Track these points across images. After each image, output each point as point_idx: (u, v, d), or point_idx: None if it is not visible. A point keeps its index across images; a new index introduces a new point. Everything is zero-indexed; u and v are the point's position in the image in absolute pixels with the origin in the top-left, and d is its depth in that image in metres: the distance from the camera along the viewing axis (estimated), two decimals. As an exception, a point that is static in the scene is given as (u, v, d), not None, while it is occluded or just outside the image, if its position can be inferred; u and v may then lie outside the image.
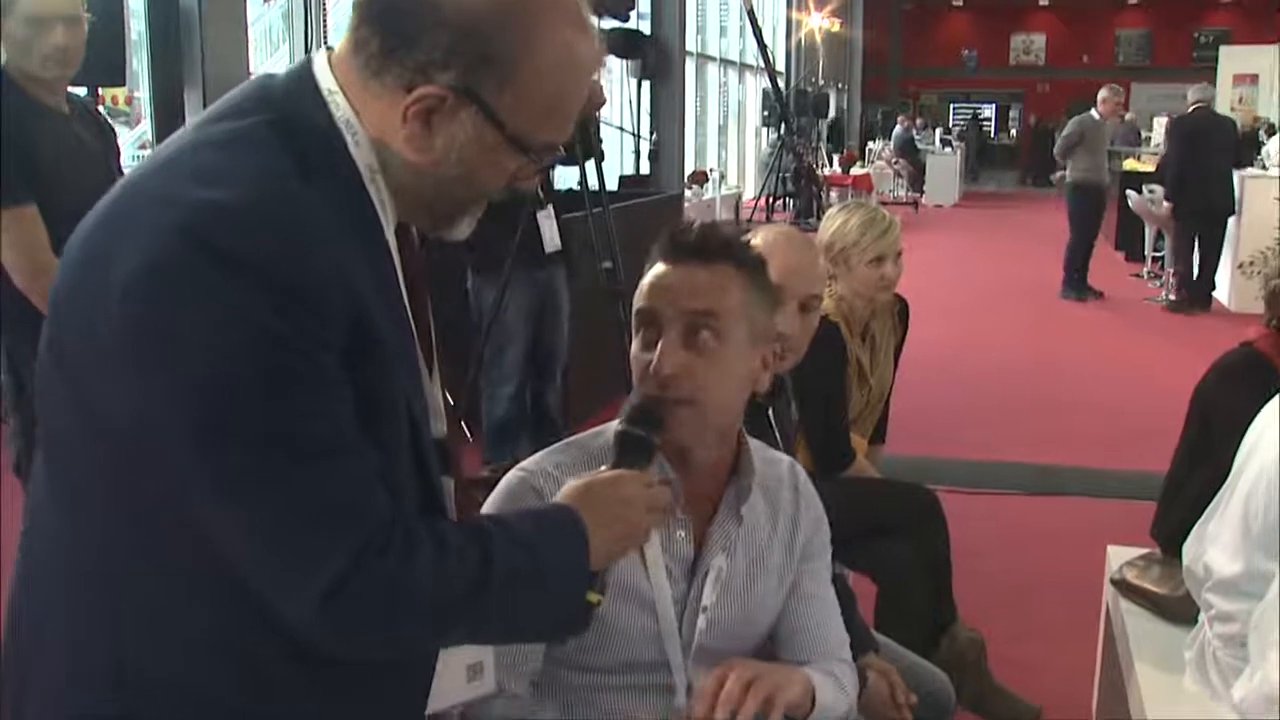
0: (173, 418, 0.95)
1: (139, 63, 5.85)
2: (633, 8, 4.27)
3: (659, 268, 1.42)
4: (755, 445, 1.53)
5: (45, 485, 1.10)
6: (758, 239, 1.92)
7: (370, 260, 1.04)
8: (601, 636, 1.37)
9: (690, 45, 13.79)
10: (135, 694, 1.04)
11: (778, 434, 1.88)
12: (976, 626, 2.76)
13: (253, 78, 1.10)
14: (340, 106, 1.05)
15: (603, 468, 1.25)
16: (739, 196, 16.37)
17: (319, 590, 0.97)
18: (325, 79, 1.06)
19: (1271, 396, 1.87)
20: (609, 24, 4.31)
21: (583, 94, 1.09)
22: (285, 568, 0.98)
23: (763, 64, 15.00)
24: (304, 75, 1.07)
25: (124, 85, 5.16)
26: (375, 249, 1.06)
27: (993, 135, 29.56)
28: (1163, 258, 9.69)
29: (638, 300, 1.42)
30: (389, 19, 1.03)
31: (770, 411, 1.88)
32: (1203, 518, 1.97)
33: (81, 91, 3.28)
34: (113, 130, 3.04)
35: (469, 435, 4.57)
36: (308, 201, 0.99)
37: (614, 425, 1.42)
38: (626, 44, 4.51)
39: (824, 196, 15.15)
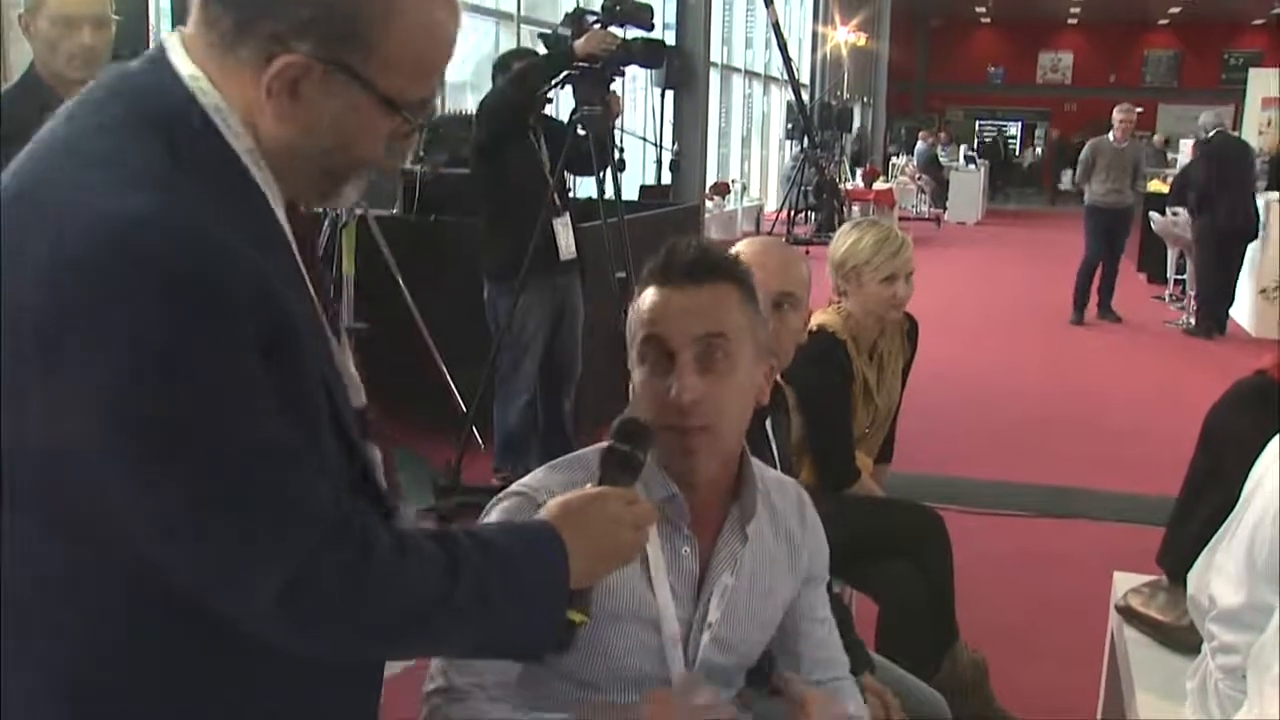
0: (92, 423, 0.92)
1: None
2: (654, 17, 4.26)
3: (658, 293, 1.39)
4: (761, 467, 1.53)
5: None
6: (742, 251, 1.90)
7: (269, 247, 1.01)
8: (606, 654, 1.37)
9: (715, 56, 13.81)
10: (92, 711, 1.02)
11: (774, 446, 1.87)
12: (979, 648, 2.74)
13: (107, 70, 1.06)
14: (207, 93, 1.01)
15: (587, 485, 1.23)
16: (760, 209, 16.38)
17: (275, 587, 0.95)
18: (184, 65, 1.02)
19: (1283, 426, 1.86)
20: (633, 33, 4.30)
21: (448, 47, 1.07)
22: (234, 568, 0.95)
23: (787, 77, 15.00)
24: (160, 62, 1.03)
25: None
26: (271, 234, 1.03)
27: (1018, 153, 29.42)
28: (1184, 281, 9.61)
29: (641, 327, 1.39)
30: None
31: (768, 423, 1.87)
32: (1209, 547, 1.95)
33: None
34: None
35: (480, 443, 4.59)
36: (200, 197, 0.96)
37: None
38: (650, 53, 4.50)
39: (846, 210, 15.13)
